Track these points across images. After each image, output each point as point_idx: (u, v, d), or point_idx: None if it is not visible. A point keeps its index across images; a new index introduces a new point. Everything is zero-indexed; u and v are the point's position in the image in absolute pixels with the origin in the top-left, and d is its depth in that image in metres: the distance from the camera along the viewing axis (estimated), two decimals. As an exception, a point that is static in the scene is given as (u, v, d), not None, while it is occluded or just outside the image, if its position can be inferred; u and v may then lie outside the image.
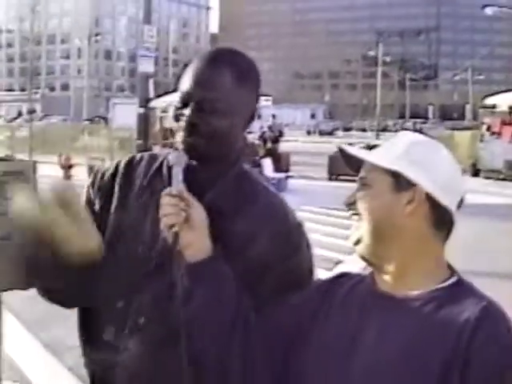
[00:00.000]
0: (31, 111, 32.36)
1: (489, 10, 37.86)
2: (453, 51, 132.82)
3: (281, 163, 20.48)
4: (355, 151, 1.48)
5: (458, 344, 1.28)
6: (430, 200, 1.39)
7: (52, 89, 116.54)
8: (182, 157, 1.57)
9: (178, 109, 1.62)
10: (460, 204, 1.43)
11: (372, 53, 77.11)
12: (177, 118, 1.62)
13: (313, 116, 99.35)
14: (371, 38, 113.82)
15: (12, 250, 1.69)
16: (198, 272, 1.47)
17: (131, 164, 1.75)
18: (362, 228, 1.43)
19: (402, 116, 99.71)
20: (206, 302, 1.46)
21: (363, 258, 1.45)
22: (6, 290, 1.79)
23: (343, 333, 1.41)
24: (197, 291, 1.46)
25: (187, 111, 1.59)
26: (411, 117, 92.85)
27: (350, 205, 1.46)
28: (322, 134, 70.59)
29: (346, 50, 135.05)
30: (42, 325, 5.91)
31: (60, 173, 18.87)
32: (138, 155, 1.79)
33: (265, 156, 19.86)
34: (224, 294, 1.47)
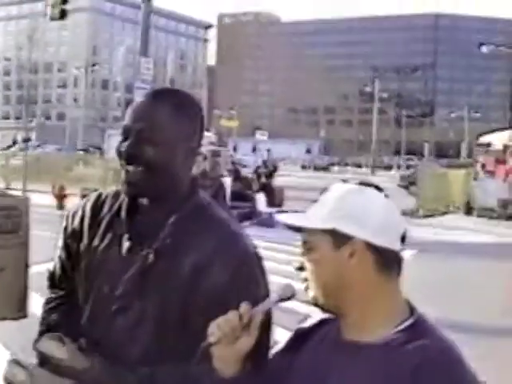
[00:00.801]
0: (26, 139, 32.19)
1: (485, 49, 38.28)
2: (449, 88, 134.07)
3: (274, 198, 20.47)
4: (290, 220, 1.52)
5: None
6: (371, 247, 1.43)
7: (48, 117, 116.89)
8: (289, 288, 1.55)
9: (119, 143, 1.74)
10: (403, 238, 1.48)
11: (368, 89, 77.65)
12: (119, 154, 1.74)
13: (308, 151, 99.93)
14: (367, 73, 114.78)
15: (4, 282, 1.81)
16: None
17: (96, 204, 1.87)
18: (313, 288, 1.48)
19: (398, 152, 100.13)
20: None
21: (326, 310, 1.50)
22: None
23: (314, 375, 1.47)
24: None
25: (126, 143, 1.71)
26: (406, 153, 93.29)
27: (300, 269, 1.50)
28: (316, 169, 70.88)
29: (342, 85, 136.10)
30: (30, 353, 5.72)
31: (54, 202, 18.79)
32: (104, 193, 1.90)
33: (259, 190, 19.80)
34: None
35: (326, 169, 70.83)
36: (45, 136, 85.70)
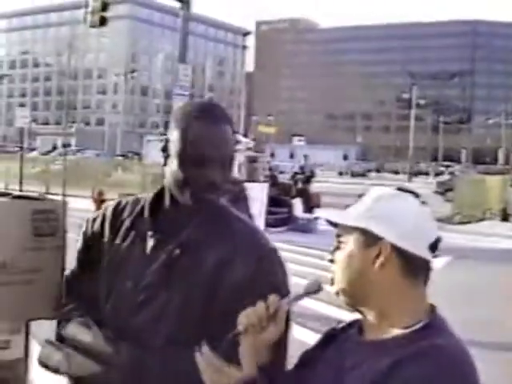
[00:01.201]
0: (66, 145, 32.63)
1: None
2: (487, 95, 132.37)
3: (311, 203, 20.36)
4: (328, 215, 1.58)
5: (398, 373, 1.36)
6: (398, 250, 1.47)
7: (87, 123, 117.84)
8: (315, 283, 1.59)
9: (186, 167, 1.78)
10: (434, 248, 1.49)
11: (406, 95, 77.08)
12: (185, 173, 1.79)
13: (345, 157, 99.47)
14: (405, 80, 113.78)
15: (41, 282, 1.87)
16: (260, 377, 1.53)
17: (117, 209, 1.97)
18: (339, 281, 1.53)
19: (435, 159, 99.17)
20: None
21: (348, 305, 1.55)
22: (34, 320, 1.91)
23: (331, 370, 1.51)
24: None
25: (208, 171, 1.78)
26: (444, 160, 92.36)
27: (331, 261, 1.56)
28: (354, 175, 70.49)
29: (379, 91, 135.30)
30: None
31: (92, 207, 19.03)
32: (124, 200, 2.01)
33: (295, 196, 19.77)
34: None
35: (363, 175, 70.42)
36: (84, 141, 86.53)
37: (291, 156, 67.03)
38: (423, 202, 1.55)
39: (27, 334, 1.93)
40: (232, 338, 1.53)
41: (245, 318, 1.53)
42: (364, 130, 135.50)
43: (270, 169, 21.25)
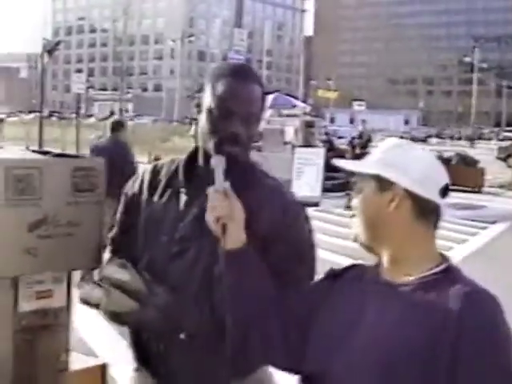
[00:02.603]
0: (123, 110, 32.84)
1: None
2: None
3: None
4: (343, 164, 1.70)
5: (447, 320, 1.46)
6: (410, 194, 1.58)
7: (144, 89, 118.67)
8: (222, 159, 1.82)
9: (214, 121, 1.92)
10: (445, 192, 1.61)
11: (468, 59, 75.27)
12: (214, 127, 1.93)
13: (406, 122, 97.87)
14: (467, 43, 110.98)
15: (81, 235, 1.97)
16: (234, 258, 1.72)
17: (154, 171, 2.11)
18: (357, 226, 1.66)
19: (498, 124, 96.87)
20: (237, 282, 1.72)
21: (364, 247, 1.66)
22: (75, 270, 2.02)
23: (348, 315, 1.63)
24: (231, 273, 1.71)
25: (232, 124, 1.91)
26: (507, 125, 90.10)
27: (349, 207, 1.71)
28: (414, 140, 69.15)
29: (441, 55, 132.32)
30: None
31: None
32: (160, 162, 2.16)
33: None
34: (253, 276, 1.75)
35: (423, 141, 69.29)
36: (141, 107, 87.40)
37: (351, 121, 66.25)
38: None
39: (69, 283, 2.04)
40: (219, 228, 1.71)
41: (211, 209, 1.73)
42: (425, 94, 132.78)
43: (327, 133, 21.17)
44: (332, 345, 1.62)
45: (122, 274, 1.90)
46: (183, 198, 2.01)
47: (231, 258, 1.72)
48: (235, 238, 1.74)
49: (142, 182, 2.12)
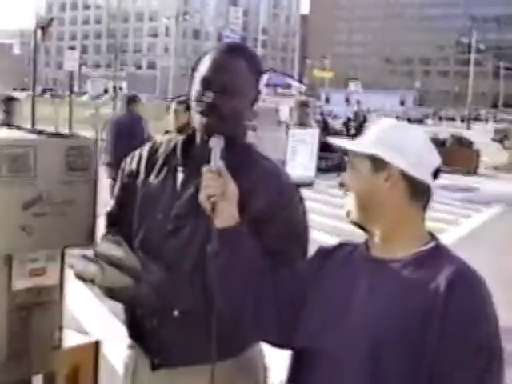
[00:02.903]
0: (117, 88, 32.62)
1: None
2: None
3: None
4: (338, 142, 1.74)
5: (435, 299, 1.51)
6: (405, 175, 1.62)
7: (138, 67, 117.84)
8: (220, 140, 1.84)
9: (198, 92, 1.95)
10: (436, 174, 1.66)
11: (465, 39, 75.04)
12: (198, 100, 1.95)
13: (402, 103, 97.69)
14: (465, 23, 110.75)
15: (75, 213, 1.99)
16: (227, 236, 1.75)
17: (152, 148, 2.14)
18: (350, 203, 1.69)
19: (495, 105, 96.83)
20: (230, 260, 1.75)
21: (355, 225, 1.70)
22: (69, 247, 2.05)
23: (339, 291, 1.67)
24: (224, 251, 1.74)
25: (208, 94, 1.92)
26: (504, 106, 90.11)
27: (342, 185, 1.71)
28: (410, 121, 69.11)
29: (438, 35, 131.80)
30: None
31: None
32: (158, 140, 2.18)
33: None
34: (245, 254, 1.77)
35: (420, 121, 69.18)
36: (135, 85, 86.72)
37: (347, 101, 66.13)
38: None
39: (62, 261, 2.06)
40: (212, 206, 1.74)
41: (205, 188, 1.75)
42: (422, 74, 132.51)
43: (322, 114, 21.15)
44: (323, 321, 1.66)
45: (117, 251, 1.93)
46: (180, 176, 2.04)
47: (223, 236, 1.75)
48: (227, 216, 1.75)
49: (140, 159, 2.15)
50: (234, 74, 1.95)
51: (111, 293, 1.97)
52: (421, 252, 1.62)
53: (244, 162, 1.99)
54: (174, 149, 2.09)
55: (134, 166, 2.15)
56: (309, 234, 2.03)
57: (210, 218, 1.75)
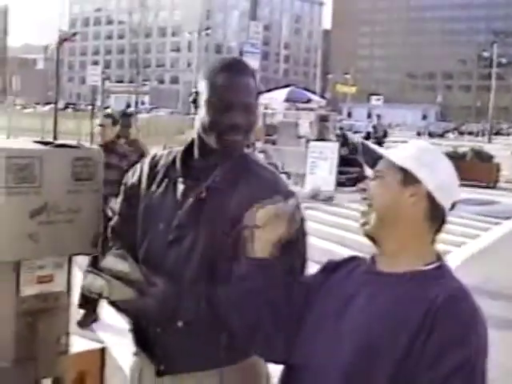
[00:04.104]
0: (139, 103, 32.81)
1: None
2: None
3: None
4: (376, 147, 1.80)
5: (424, 320, 1.55)
6: (430, 197, 1.68)
7: (161, 81, 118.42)
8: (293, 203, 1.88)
9: (216, 112, 2.02)
10: (453, 207, 1.73)
11: (486, 54, 74.65)
12: (213, 119, 2.02)
13: (424, 117, 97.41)
14: (488, 38, 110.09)
15: (81, 222, 2.05)
16: (259, 266, 1.79)
17: (152, 161, 2.21)
18: (369, 213, 1.72)
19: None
20: (255, 288, 1.79)
21: (367, 237, 1.74)
22: (75, 255, 2.11)
23: (337, 305, 1.71)
24: (252, 280, 1.79)
25: (232, 115, 2.01)
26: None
27: (363, 190, 1.76)
28: (432, 135, 68.88)
29: (460, 49, 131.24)
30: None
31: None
32: (159, 153, 2.25)
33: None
34: (272, 285, 1.80)
35: (441, 136, 68.84)
36: (158, 100, 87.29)
37: (369, 115, 65.95)
38: None
39: (69, 269, 2.11)
40: (250, 230, 1.81)
41: (264, 213, 1.80)
42: (444, 89, 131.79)
43: (341, 128, 21.12)
44: (318, 335, 1.71)
45: (123, 265, 1.98)
46: (180, 187, 2.10)
47: (255, 265, 1.81)
48: (262, 245, 1.81)
49: (141, 172, 2.22)
50: (250, 93, 2.06)
51: (118, 306, 2.03)
52: (422, 271, 1.67)
53: (241, 173, 2.06)
54: (174, 161, 2.16)
55: (135, 179, 2.23)
56: (307, 241, 2.07)
57: (246, 242, 1.82)
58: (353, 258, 1.86)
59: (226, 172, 2.06)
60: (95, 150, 2.13)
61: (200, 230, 2.01)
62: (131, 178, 2.25)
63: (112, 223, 2.26)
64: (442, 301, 1.56)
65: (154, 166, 2.20)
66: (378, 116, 22.09)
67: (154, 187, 2.16)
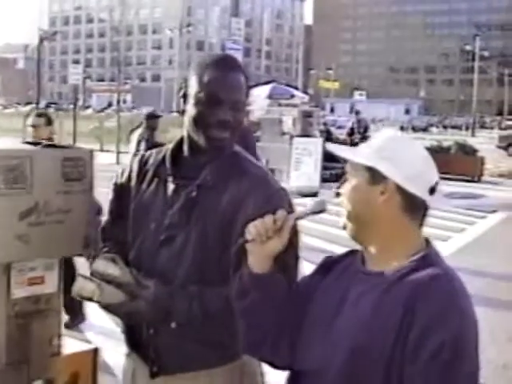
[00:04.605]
0: (120, 101, 32.58)
1: None
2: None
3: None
4: (338, 151, 1.72)
5: (407, 305, 1.51)
6: (401, 190, 1.61)
7: (143, 79, 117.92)
8: (321, 203, 1.74)
9: (207, 109, 2.00)
10: (432, 191, 1.64)
11: (469, 47, 75.04)
12: (203, 113, 2.00)
13: (407, 111, 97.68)
14: (470, 31, 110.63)
15: (71, 222, 2.04)
16: (260, 281, 1.71)
17: (142, 160, 2.19)
18: (346, 215, 1.68)
19: (500, 113, 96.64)
20: (254, 305, 1.73)
21: (352, 238, 1.69)
22: (66, 256, 2.13)
23: (332, 301, 1.67)
24: (253, 294, 1.72)
25: (220, 111, 1.99)
26: (509, 113, 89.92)
27: (338, 194, 1.70)
28: (415, 130, 69.07)
29: (443, 43, 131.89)
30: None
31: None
32: (148, 152, 2.23)
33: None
34: (271, 303, 1.74)
35: (424, 130, 69.01)
36: (140, 98, 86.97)
37: (351, 111, 66.14)
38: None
39: (60, 270, 2.11)
40: (240, 245, 1.72)
41: (253, 227, 1.70)
42: (427, 83, 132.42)
43: (325, 124, 21.16)
44: (312, 338, 1.69)
45: (113, 269, 1.98)
46: (170, 186, 2.08)
47: (255, 280, 1.72)
48: (259, 261, 1.72)
49: (131, 171, 2.20)
50: (239, 89, 2.04)
51: (109, 309, 2.02)
52: (407, 265, 1.61)
53: (232, 171, 2.05)
54: (163, 159, 2.14)
55: (125, 178, 2.21)
56: (299, 238, 2.05)
57: (245, 256, 1.73)
58: (349, 253, 1.80)
59: (216, 171, 2.05)
60: (85, 150, 2.11)
61: (191, 230, 2.00)
62: (121, 177, 2.23)
63: (103, 223, 2.24)
64: (421, 288, 1.53)
65: (143, 164, 2.18)
66: (357, 112, 22.04)
67: (144, 186, 2.14)
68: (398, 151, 1.64)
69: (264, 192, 2.01)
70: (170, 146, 2.16)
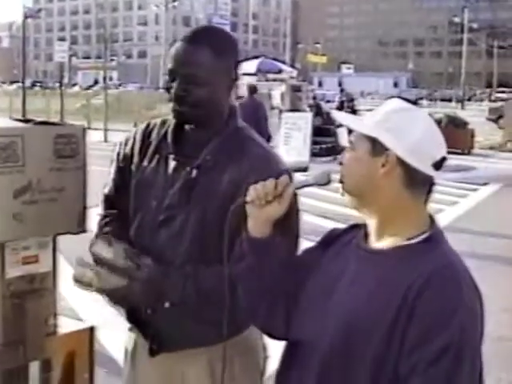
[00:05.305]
0: (106, 78, 32.26)
1: None
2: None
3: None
4: (343, 118, 1.69)
5: (407, 297, 1.46)
6: (402, 163, 1.55)
7: (129, 56, 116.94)
8: (325, 175, 1.70)
9: (167, 83, 2.00)
10: (439, 166, 1.58)
11: (457, 19, 74.82)
12: (168, 90, 2.00)
13: (396, 85, 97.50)
14: (458, 3, 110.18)
15: (65, 200, 2.02)
16: (257, 245, 1.69)
17: (146, 131, 2.15)
18: (345, 183, 1.63)
19: (490, 85, 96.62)
20: (249, 269, 1.71)
21: (352, 206, 1.65)
22: (60, 234, 2.07)
23: (329, 277, 1.65)
24: (249, 258, 1.70)
25: (174, 85, 1.97)
26: (499, 86, 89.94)
27: (340, 163, 1.65)
28: (404, 103, 68.69)
29: (431, 16, 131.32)
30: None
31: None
32: (152, 122, 2.18)
33: (340, 125, 19.58)
34: (267, 268, 1.71)
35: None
36: (126, 75, 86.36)
37: (339, 85, 66.06)
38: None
39: (54, 249, 2.08)
40: (239, 207, 1.70)
41: (253, 190, 1.68)
42: (415, 56, 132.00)
43: (314, 98, 21.09)
44: (309, 310, 1.67)
45: (107, 252, 1.96)
46: (172, 164, 2.05)
47: (254, 244, 1.70)
48: (259, 225, 1.70)
49: (134, 143, 2.16)
50: (196, 65, 1.95)
51: (107, 294, 2.01)
52: (408, 246, 1.56)
53: (234, 150, 2.01)
54: (166, 134, 2.10)
55: (127, 149, 2.17)
56: (300, 216, 2.03)
57: (245, 219, 1.71)
58: (353, 227, 1.75)
59: (217, 150, 2.01)
60: (78, 127, 2.08)
61: (191, 211, 1.98)
62: (124, 147, 2.18)
63: (105, 191, 2.21)
64: (423, 280, 1.46)
65: (147, 136, 2.15)
66: (340, 84, 21.93)
67: (145, 161, 2.11)
68: (401, 123, 1.58)
69: (265, 173, 1.93)
70: (173, 121, 2.10)
